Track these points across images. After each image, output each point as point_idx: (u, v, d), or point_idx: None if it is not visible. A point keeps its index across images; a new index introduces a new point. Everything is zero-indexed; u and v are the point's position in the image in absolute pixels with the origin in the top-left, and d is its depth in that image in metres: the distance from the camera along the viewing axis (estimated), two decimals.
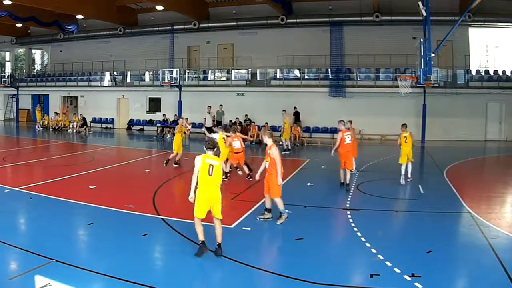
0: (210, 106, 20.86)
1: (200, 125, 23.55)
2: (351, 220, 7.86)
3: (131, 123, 29.13)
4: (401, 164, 11.41)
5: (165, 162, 13.55)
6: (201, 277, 5.65)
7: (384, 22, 23.66)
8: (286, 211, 7.73)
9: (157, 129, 25.77)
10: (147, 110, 29.29)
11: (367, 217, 8.35)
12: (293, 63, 25.74)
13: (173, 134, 13.50)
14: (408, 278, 5.25)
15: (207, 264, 5.87)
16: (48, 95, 32.74)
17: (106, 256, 6.01)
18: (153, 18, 29.07)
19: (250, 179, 11.47)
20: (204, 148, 6.29)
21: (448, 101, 22.41)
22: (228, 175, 11.71)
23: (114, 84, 30.15)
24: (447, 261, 5.95)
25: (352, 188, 10.66)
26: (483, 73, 23.37)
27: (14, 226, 7.38)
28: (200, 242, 6.04)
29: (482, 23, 22.87)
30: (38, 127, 26.78)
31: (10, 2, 22.78)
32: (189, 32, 27.92)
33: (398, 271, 5.46)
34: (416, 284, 5.10)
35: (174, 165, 13.29)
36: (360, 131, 22.59)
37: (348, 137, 10.76)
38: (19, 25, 30.07)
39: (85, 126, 25.88)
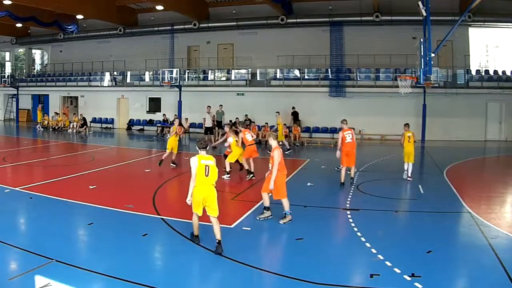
0: (209, 106, 20.87)
1: (200, 125, 23.59)
2: (351, 220, 7.85)
3: (131, 123, 29.14)
4: (404, 162, 11.94)
5: (159, 162, 13.45)
6: (201, 277, 5.65)
7: (384, 22, 23.67)
8: (291, 212, 7.73)
9: (157, 129, 25.78)
10: (147, 110, 29.30)
11: (367, 217, 8.34)
12: (293, 63, 25.75)
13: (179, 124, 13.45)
14: (408, 278, 5.25)
15: (207, 264, 5.88)
16: (48, 95, 32.76)
17: (106, 256, 6.00)
18: (153, 18, 29.08)
19: (253, 178, 11.49)
20: (197, 148, 6.37)
21: (448, 101, 22.42)
22: (228, 174, 11.73)
23: (114, 84, 30.17)
24: (447, 261, 5.94)
25: (352, 188, 10.66)
26: (483, 73, 23.38)
27: (14, 226, 7.37)
28: (194, 235, 6.36)
29: (482, 23, 22.88)
30: (39, 127, 26.76)
31: (10, 2, 22.78)
32: (189, 32, 27.93)
33: (398, 271, 5.46)
34: (416, 284, 5.09)
35: (171, 165, 13.25)
36: (360, 131, 22.61)
37: (348, 136, 10.94)
38: (19, 25, 30.08)
39: (85, 126, 25.89)
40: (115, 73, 30.32)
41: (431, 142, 22.05)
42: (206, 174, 6.07)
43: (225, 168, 11.84)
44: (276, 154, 7.58)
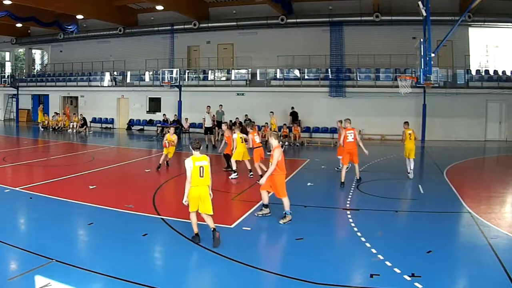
0: (209, 106, 20.87)
1: (200, 125, 23.58)
2: (351, 220, 7.86)
3: (131, 123, 29.14)
4: (405, 158, 12.28)
5: (157, 167, 12.99)
6: (201, 277, 5.65)
7: (384, 22, 23.67)
8: (291, 212, 7.74)
9: (157, 129, 25.77)
10: (147, 110, 29.30)
11: (367, 217, 8.35)
12: (293, 63, 25.76)
13: (174, 132, 13.44)
14: (408, 278, 5.25)
15: (207, 264, 5.88)
16: (48, 95, 32.76)
17: (106, 256, 6.00)
18: (153, 18, 29.09)
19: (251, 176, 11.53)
20: (191, 149, 6.49)
21: (448, 101, 22.42)
22: (236, 173, 11.74)
23: (114, 84, 30.16)
24: (447, 261, 5.94)
25: (352, 188, 10.66)
26: (483, 73, 23.38)
27: (14, 226, 7.38)
28: (194, 234, 6.37)
29: (482, 23, 22.88)
30: (42, 127, 26.72)
31: (10, 2, 22.79)
32: (189, 32, 27.93)
33: (398, 271, 5.46)
34: (416, 284, 5.09)
35: (165, 166, 13.21)
36: (360, 131, 22.58)
37: (350, 135, 11.10)
38: (19, 25, 30.08)
39: (85, 126, 25.88)
40: (115, 73, 30.31)
41: (431, 142, 22.04)
42: (201, 175, 6.23)
43: (231, 168, 11.86)
44: (277, 153, 7.59)
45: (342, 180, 10.87)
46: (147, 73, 28.95)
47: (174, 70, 26.45)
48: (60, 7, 24.89)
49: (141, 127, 28.70)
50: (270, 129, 19.09)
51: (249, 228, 7.29)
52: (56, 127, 26.47)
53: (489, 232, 7.14)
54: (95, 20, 28.82)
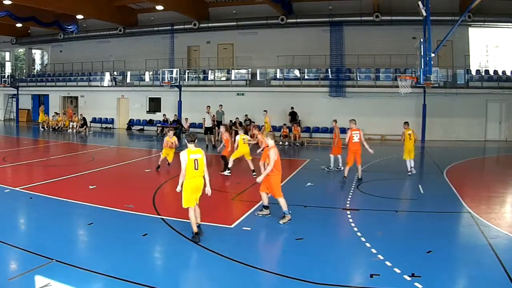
0: (209, 106, 20.86)
1: (200, 125, 23.56)
2: (351, 220, 7.86)
3: (131, 123, 29.14)
4: (405, 160, 12.58)
5: (156, 167, 13.02)
6: (201, 277, 5.65)
7: (384, 22, 23.67)
8: (290, 212, 7.75)
9: (157, 129, 25.76)
10: (147, 110, 29.30)
11: (367, 217, 8.36)
12: (293, 63, 25.76)
13: (173, 134, 13.46)
14: (408, 278, 5.25)
15: (207, 264, 5.88)
16: (48, 95, 32.75)
17: (106, 256, 6.01)
18: (153, 18, 29.08)
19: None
20: (186, 141, 6.71)
21: (448, 101, 22.42)
22: (229, 170, 11.77)
23: (114, 84, 30.16)
24: (447, 261, 5.95)
25: (352, 188, 10.67)
26: (483, 73, 23.38)
27: (14, 226, 7.38)
28: (194, 233, 6.44)
29: (482, 23, 22.88)
30: (44, 128, 26.68)
31: (10, 2, 22.79)
32: (189, 32, 27.93)
33: (398, 271, 5.46)
34: (416, 284, 5.09)
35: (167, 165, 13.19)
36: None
37: (356, 135, 11.36)
38: (19, 25, 30.08)
39: (85, 126, 25.88)
40: (115, 73, 30.31)
41: (431, 142, 22.04)
42: (196, 167, 6.44)
43: (227, 164, 11.89)
44: (272, 153, 7.59)
45: (345, 175, 11.39)
46: (147, 73, 28.95)
47: (174, 70, 26.45)
48: (60, 7, 24.89)
49: (141, 127, 28.70)
50: (264, 128, 19.08)
51: (249, 228, 7.29)
52: (56, 127, 26.47)
53: (489, 232, 7.14)
54: (95, 20, 28.82)
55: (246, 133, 17.97)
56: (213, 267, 5.78)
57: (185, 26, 27.47)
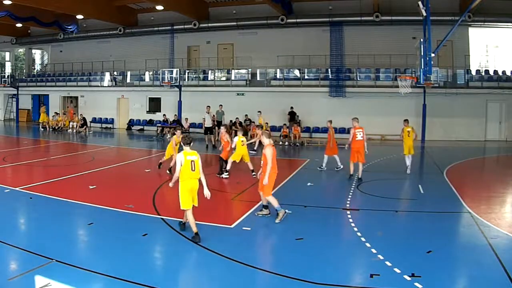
0: (209, 106, 20.86)
1: (200, 125, 23.57)
2: (351, 220, 7.86)
3: (131, 123, 29.13)
4: (405, 155, 12.85)
5: (158, 164, 13.05)
6: (200, 277, 5.65)
7: (384, 22, 23.67)
8: (287, 211, 7.75)
9: (157, 129, 25.77)
10: (147, 110, 29.30)
11: (367, 217, 8.36)
12: (293, 63, 25.76)
13: (173, 134, 13.42)
14: (408, 278, 5.25)
15: (207, 264, 5.87)
16: (48, 95, 32.75)
17: (106, 256, 6.01)
18: (153, 18, 29.08)
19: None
20: (182, 144, 6.89)
21: (448, 101, 22.42)
22: (227, 173, 11.74)
23: (114, 84, 30.16)
24: (447, 261, 5.94)
25: (352, 188, 10.67)
26: (483, 73, 23.38)
27: (14, 226, 7.38)
28: (194, 233, 6.47)
29: (482, 23, 22.89)
30: (45, 128, 26.68)
31: (10, 2, 22.79)
32: (189, 32, 27.93)
33: (398, 271, 5.46)
34: (416, 284, 5.09)
35: (167, 172, 13.10)
36: None
37: (359, 134, 11.48)
38: (19, 25, 30.07)
39: (85, 126, 25.88)
40: (115, 73, 30.31)
41: (431, 142, 22.04)
42: (192, 169, 6.56)
43: (225, 167, 11.86)
44: (269, 151, 7.60)
45: (351, 173, 11.53)
46: (147, 73, 28.95)
47: (174, 70, 26.46)
48: (60, 7, 24.89)
49: (141, 127, 28.70)
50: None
51: (249, 228, 7.29)
52: (56, 127, 26.47)
53: (489, 232, 7.14)
54: (95, 20, 28.82)
55: (246, 133, 17.97)
56: (213, 267, 5.78)
57: (185, 26, 27.47)
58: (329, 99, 24.41)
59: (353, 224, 7.59)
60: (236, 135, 12.97)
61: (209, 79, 27.55)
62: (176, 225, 7.22)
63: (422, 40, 15.96)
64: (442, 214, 8.49)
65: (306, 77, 25.57)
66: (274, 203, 7.64)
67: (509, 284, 5.14)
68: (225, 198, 9.99)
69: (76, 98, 31.94)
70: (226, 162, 12.01)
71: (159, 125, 25.81)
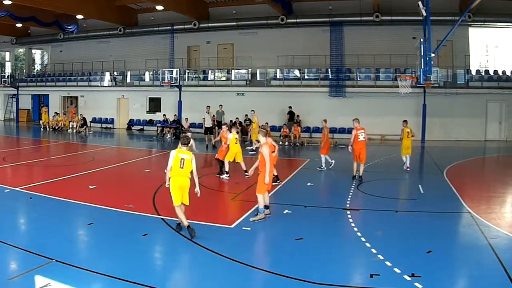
0: (209, 106, 20.88)
1: (200, 125, 23.57)
2: (351, 220, 7.86)
3: (131, 123, 29.13)
4: (402, 156, 13.20)
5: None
6: (201, 277, 5.64)
7: (384, 22, 23.66)
8: (267, 216, 7.73)
9: (157, 129, 25.76)
10: (147, 110, 29.29)
11: (367, 217, 8.36)
12: (293, 63, 25.74)
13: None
14: (408, 278, 5.25)
15: (207, 264, 5.87)
16: (48, 95, 32.74)
17: (106, 256, 6.01)
18: (153, 18, 29.08)
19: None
20: (179, 143, 7.02)
21: (448, 101, 22.42)
22: (227, 174, 11.72)
23: (114, 84, 30.16)
24: (447, 261, 5.94)
25: (352, 188, 10.67)
26: (483, 73, 23.37)
27: (14, 226, 7.37)
28: (186, 226, 6.63)
29: (482, 23, 22.88)
30: (46, 128, 26.66)
31: (10, 2, 22.79)
32: (189, 32, 27.93)
33: (398, 271, 5.46)
34: (416, 284, 5.09)
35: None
36: None
37: (361, 135, 11.52)
38: (19, 25, 30.06)
39: (85, 126, 25.88)
40: (115, 73, 30.31)
41: (431, 142, 22.04)
42: (181, 166, 6.70)
43: (224, 168, 11.84)
44: (265, 149, 7.60)
45: (354, 173, 11.51)
46: (147, 73, 28.95)
47: (174, 70, 26.45)
48: (60, 7, 24.89)
49: (141, 127, 28.70)
50: (251, 128, 18.99)
51: (249, 228, 7.29)
52: (56, 127, 26.47)
53: (489, 232, 7.14)
54: (95, 20, 28.80)
55: (246, 133, 17.92)
56: (213, 267, 5.78)
57: (185, 26, 27.47)
58: (329, 99, 24.40)
59: (353, 224, 7.59)
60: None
61: (209, 79, 27.55)
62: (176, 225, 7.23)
63: (422, 40, 15.96)
64: (442, 214, 8.49)
65: (306, 77, 25.57)
66: (260, 203, 7.64)
67: (509, 284, 5.14)
68: (225, 198, 10.00)
69: (76, 98, 31.93)
70: (223, 163, 11.98)
71: (159, 125, 25.78)
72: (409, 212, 9.07)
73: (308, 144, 21.88)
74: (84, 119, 26.22)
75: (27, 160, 14.50)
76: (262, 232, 7.36)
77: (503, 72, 23.03)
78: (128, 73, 29.77)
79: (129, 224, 7.51)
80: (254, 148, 16.65)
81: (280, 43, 25.78)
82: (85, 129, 25.72)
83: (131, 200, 8.96)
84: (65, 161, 15.15)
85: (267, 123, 21.96)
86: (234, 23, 26.54)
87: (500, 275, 5.40)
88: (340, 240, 7.12)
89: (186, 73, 27.58)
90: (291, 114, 23.78)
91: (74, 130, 25.53)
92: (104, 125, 30.04)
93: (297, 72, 25.73)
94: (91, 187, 10.23)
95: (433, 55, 15.79)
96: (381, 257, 5.92)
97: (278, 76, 26.00)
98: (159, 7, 25.99)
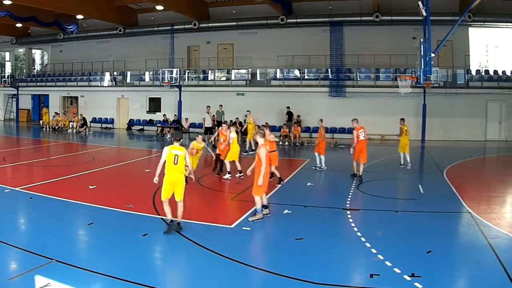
0: (209, 106, 20.89)
1: (200, 125, 23.58)
2: (351, 220, 7.86)
3: (131, 123, 29.13)
4: (400, 153, 13.60)
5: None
6: (200, 277, 5.64)
7: (384, 22, 23.67)
8: (265, 216, 7.73)
9: (157, 129, 25.77)
10: (147, 110, 29.29)
11: (367, 217, 8.36)
12: (293, 63, 25.75)
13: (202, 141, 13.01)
14: (408, 278, 5.25)
15: (207, 264, 5.87)
16: (48, 95, 32.75)
17: (106, 256, 6.01)
18: (153, 18, 29.08)
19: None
20: (172, 139, 7.17)
21: (448, 101, 22.42)
22: (229, 175, 11.70)
23: (114, 84, 30.16)
24: (447, 261, 5.95)
25: (352, 188, 10.67)
26: (483, 73, 23.37)
27: (14, 226, 7.38)
28: (169, 221, 6.86)
29: (482, 23, 22.88)
30: (47, 128, 26.63)
31: (10, 2, 22.79)
32: (189, 32, 27.93)
33: (398, 271, 5.46)
34: (416, 284, 5.10)
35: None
36: None
37: (362, 134, 11.59)
38: (19, 25, 30.07)
39: (85, 126, 25.89)
40: (115, 73, 30.31)
41: (431, 142, 22.04)
42: (175, 162, 6.82)
43: (222, 170, 11.81)
44: (262, 150, 7.60)
45: (355, 172, 11.57)
46: (147, 73, 28.95)
47: (174, 70, 26.46)
48: (60, 7, 24.89)
49: (141, 127, 28.70)
50: (247, 129, 18.94)
51: (249, 228, 7.29)
52: (56, 127, 26.47)
53: (489, 232, 7.14)
54: (95, 20, 28.80)
55: (246, 133, 17.92)
56: (213, 267, 5.78)
57: (185, 26, 27.47)
58: (329, 99, 24.41)
59: (353, 224, 7.59)
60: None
61: (209, 79, 27.55)
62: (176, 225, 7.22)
63: (422, 40, 15.96)
64: (442, 214, 8.50)
65: (306, 77, 25.57)
66: (258, 204, 7.64)
67: (509, 284, 5.14)
68: (225, 198, 10.00)
69: (76, 98, 31.93)
70: (222, 162, 11.94)
71: (159, 125, 25.80)
72: (409, 212, 9.06)
73: (308, 144, 21.88)
74: (84, 119, 26.22)
75: (27, 160, 14.50)
76: (262, 232, 7.36)
77: (503, 72, 23.03)
78: (128, 73, 29.77)
79: (129, 224, 7.51)
80: (253, 148, 16.63)
81: (280, 43, 25.78)
82: (85, 129, 25.72)
83: (131, 200, 8.96)
84: (65, 161, 15.15)
85: (267, 123, 21.99)
86: (234, 23, 26.55)
87: (500, 275, 5.41)
88: (340, 240, 7.13)
89: (186, 73, 27.58)
90: (289, 114, 23.80)
91: (74, 130, 25.53)
92: (104, 125, 30.04)
93: (297, 72, 25.73)
94: (91, 187, 10.24)
95: (433, 55, 15.79)
96: (381, 257, 5.92)
97: (278, 76, 26.00)
98: (159, 7, 25.99)
